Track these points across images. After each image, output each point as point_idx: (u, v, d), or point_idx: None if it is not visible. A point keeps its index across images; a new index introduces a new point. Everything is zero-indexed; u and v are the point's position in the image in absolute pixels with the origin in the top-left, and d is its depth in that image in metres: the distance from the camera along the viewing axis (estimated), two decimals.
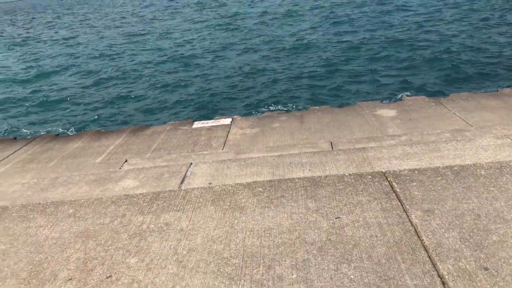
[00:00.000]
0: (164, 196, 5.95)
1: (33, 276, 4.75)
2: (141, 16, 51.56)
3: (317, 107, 10.99)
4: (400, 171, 5.83)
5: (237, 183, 6.11)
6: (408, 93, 12.63)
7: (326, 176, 5.92)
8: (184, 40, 29.96)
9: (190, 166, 7.69)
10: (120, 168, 8.71)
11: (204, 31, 33.24)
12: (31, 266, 4.92)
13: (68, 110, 15.93)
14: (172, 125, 11.19)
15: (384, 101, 11.20)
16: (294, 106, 13.05)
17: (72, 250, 5.10)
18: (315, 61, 19.17)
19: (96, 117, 14.60)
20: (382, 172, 5.87)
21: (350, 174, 5.90)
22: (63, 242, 5.26)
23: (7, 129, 14.56)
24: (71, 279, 4.65)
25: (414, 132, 8.74)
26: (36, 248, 5.23)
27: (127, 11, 66.96)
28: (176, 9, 56.99)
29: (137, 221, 5.49)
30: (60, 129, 13.45)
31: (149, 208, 5.73)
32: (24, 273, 4.82)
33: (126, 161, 9.15)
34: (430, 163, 6.53)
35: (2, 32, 56.21)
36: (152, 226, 5.35)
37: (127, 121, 13.82)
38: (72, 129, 13.45)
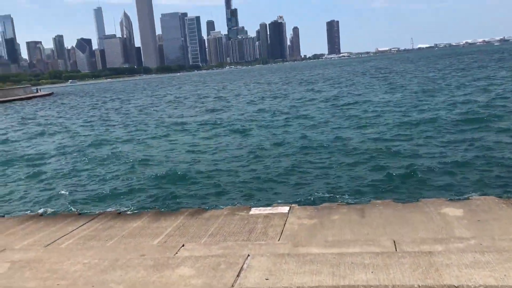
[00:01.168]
0: None
1: None
2: (210, 108, 52.35)
3: (379, 201, 10.72)
4: (475, 287, 5.42)
5: (298, 287, 5.91)
6: (476, 192, 12.10)
7: (393, 286, 5.61)
8: (244, 127, 31.04)
9: (247, 258, 7.56)
10: (177, 253, 8.71)
11: (265, 120, 34.25)
12: None
13: (130, 188, 16.52)
14: (229, 210, 11.24)
15: (449, 199, 10.76)
16: (354, 198, 12.84)
17: None
18: (378, 153, 19.06)
19: (157, 196, 15.02)
20: (454, 286, 5.49)
21: (419, 286, 5.55)
22: None
23: (73, 202, 15.24)
24: None
25: (484, 236, 8.23)
26: None
27: (203, 97, 70.21)
28: (245, 98, 59.44)
29: None
30: (122, 206, 13.88)
31: None
32: None
33: (183, 245, 9.17)
34: (505, 275, 6.06)
35: (68, 116, 60.23)
36: None
37: (186, 202, 14.09)
38: (133, 207, 13.86)
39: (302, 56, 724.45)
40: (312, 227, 9.61)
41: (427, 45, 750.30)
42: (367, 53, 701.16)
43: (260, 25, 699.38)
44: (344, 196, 13.22)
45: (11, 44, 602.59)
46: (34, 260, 8.74)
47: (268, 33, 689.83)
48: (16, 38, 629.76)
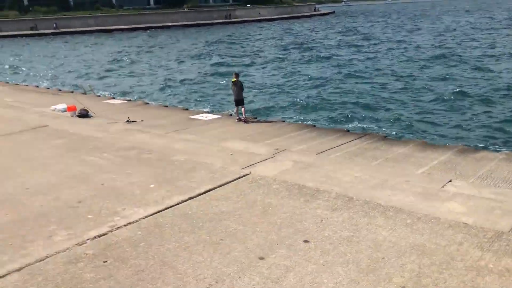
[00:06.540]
0: (508, 239, 5.62)
1: (370, 270, 5.26)
2: None
3: None
4: None
5: None
6: None
7: None
8: None
9: None
10: (443, 187, 8.59)
11: None
12: (369, 260, 5.45)
13: (397, 114, 16.44)
14: (507, 155, 10.32)
15: None
16: None
17: (407, 260, 5.39)
18: None
19: (423, 126, 14.68)
20: None
21: None
22: (399, 249, 5.62)
23: (346, 117, 16.23)
24: (404, 287, 4.94)
25: None
26: (375, 245, 5.75)
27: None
28: None
29: (475, 255, 5.38)
30: (386, 129, 14.17)
31: (489, 246, 5.52)
32: (363, 264, 5.39)
33: (450, 181, 8.95)
34: None
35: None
36: (491, 266, 5.15)
37: (454, 137, 13.49)
38: (397, 132, 14.03)
39: None
40: None
41: None
42: None
43: None
44: None
45: None
46: (310, 164, 9.90)
47: None
48: None
